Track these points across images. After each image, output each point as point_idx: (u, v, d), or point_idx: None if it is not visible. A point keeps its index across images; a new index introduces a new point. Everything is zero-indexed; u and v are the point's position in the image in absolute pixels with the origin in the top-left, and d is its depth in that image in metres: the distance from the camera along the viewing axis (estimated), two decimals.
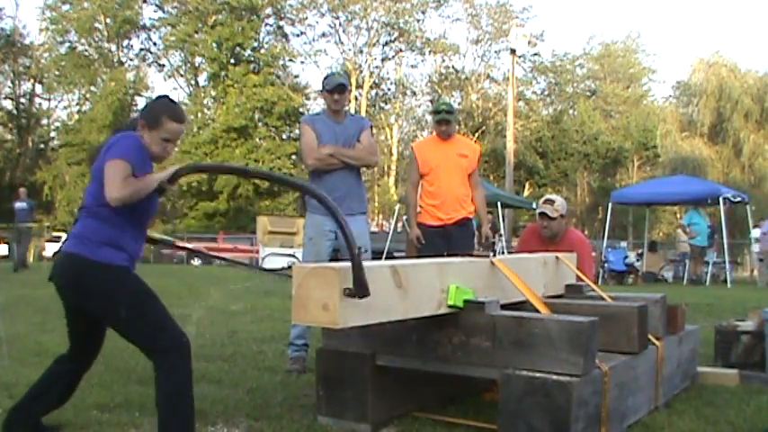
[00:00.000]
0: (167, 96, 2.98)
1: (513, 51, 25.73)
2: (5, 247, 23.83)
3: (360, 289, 2.45)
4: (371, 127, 4.95)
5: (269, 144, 34.57)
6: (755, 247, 15.40)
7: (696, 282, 15.14)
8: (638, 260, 16.77)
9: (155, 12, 37.75)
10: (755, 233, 15.91)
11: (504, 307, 3.18)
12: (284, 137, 35.70)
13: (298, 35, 39.08)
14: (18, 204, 15.86)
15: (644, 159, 40.12)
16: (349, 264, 2.48)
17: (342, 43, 39.45)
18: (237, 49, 34.98)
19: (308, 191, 3.02)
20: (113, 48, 37.20)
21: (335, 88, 4.64)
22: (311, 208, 4.65)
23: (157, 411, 2.70)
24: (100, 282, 2.72)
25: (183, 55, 37.01)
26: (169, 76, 38.31)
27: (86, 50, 36.45)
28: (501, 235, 18.02)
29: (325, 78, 4.78)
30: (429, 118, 35.85)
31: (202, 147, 32.88)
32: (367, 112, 36.89)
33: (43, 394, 2.99)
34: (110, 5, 34.75)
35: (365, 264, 2.52)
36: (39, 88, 38.29)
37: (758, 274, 15.35)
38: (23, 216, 15.71)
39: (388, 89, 41.22)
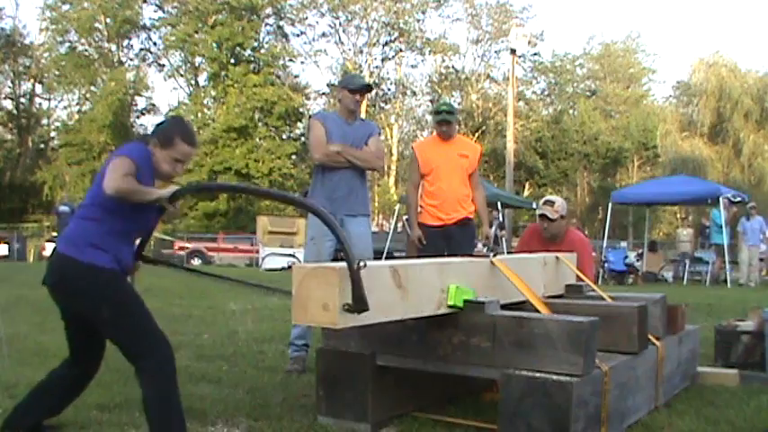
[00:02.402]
0: (181, 117, 3.00)
1: (513, 51, 25.71)
2: (5, 247, 23.88)
3: (358, 304, 2.47)
4: (380, 133, 4.98)
5: (269, 144, 34.54)
6: (762, 247, 15.24)
7: (718, 281, 15.07)
8: (638, 260, 16.74)
9: (155, 12, 37.79)
10: (741, 226, 15.57)
11: (504, 307, 3.18)
12: (284, 137, 35.68)
13: (298, 35, 39.14)
14: (62, 208, 16.90)
15: (644, 159, 40.14)
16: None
17: (342, 43, 39.50)
18: (237, 48, 34.94)
19: (307, 207, 3.00)
20: (113, 48, 37.16)
21: (361, 89, 4.70)
22: None
23: (146, 417, 2.72)
24: (85, 282, 2.72)
25: (183, 55, 36.95)
26: (169, 76, 38.30)
27: (86, 50, 36.40)
28: (498, 219, 17.64)
29: (346, 77, 4.87)
30: (429, 118, 35.86)
31: (202, 147, 32.85)
32: (367, 112, 36.82)
33: (45, 396, 3.00)
34: (110, 5, 34.72)
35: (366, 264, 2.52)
36: (39, 88, 38.38)
37: (756, 273, 15.21)
38: (66, 219, 16.56)
39: (388, 89, 41.18)
